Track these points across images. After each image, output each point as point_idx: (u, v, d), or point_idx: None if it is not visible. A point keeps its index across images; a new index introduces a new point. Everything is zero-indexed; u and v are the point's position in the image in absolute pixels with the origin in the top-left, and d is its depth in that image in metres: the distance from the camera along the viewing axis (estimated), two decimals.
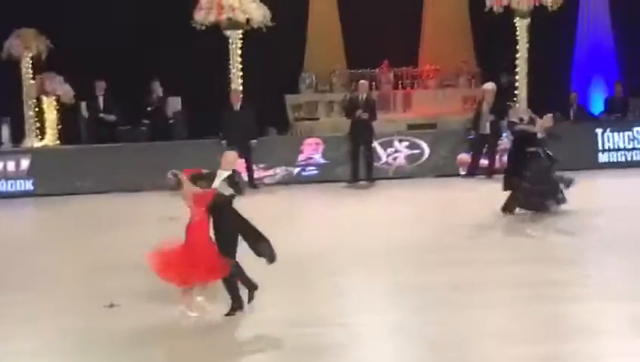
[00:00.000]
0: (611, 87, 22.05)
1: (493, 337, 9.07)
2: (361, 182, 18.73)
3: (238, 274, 9.87)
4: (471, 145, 19.28)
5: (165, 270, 9.68)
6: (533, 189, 14.27)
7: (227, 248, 9.71)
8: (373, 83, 22.07)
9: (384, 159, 19.33)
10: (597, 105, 22.06)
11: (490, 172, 18.95)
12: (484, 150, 19.14)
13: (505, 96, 19.49)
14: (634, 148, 19.68)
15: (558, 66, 22.30)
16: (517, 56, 19.81)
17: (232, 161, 10.06)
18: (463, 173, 19.25)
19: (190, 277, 9.70)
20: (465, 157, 19.29)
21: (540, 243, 12.96)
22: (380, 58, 22.46)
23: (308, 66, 22.94)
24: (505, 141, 19.26)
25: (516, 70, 19.84)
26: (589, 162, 19.33)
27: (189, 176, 9.90)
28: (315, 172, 19.18)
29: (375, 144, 19.13)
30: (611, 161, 19.49)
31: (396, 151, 19.38)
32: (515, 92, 19.89)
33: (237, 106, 18.73)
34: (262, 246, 9.84)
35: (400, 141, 19.42)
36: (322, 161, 19.21)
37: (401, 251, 12.68)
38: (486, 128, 18.93)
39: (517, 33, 19.76)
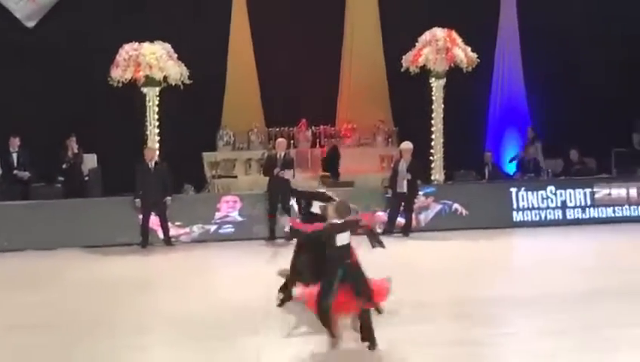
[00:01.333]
0: (524, 136, 22.62)
1: None
2: (279, 241, 18.77)
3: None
4: (388, 204, 19.52)
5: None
6: None
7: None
8: (292, 141, 22.25)
9: None
10: (510, 167, 22.57)
11: (406, 230, 19.20)
12: (401, 208, 19.38)
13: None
14: (547, 208, 20.10)
15: (473, 125, 22.79)
16: (432, 115, 20.22)
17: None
18: (379, 231, 19.42)
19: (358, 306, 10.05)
20: (382, 215, 19.50)
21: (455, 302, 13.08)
22: (297, 116, 22.71)
23: (226, 124, 23.07)
24: (422, 199, 19.57)
25: (432, 129, 20.22)
26: (504, 221, 19.71)
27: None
28: (232, 230, 19.18)
29: (293, 202, 19.22)
30: (525, 219, 19.89)
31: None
32: (431, 151, 20.23)
33: (151, 163, 18.70)
34: None
35: None
36: (239, 218, 19.24)
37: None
38: (403, 187, 19.19)
39: (433, 93, 20.19)
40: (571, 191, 20.19)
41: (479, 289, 13.62)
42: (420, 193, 19.56)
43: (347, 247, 10.10)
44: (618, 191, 20.16)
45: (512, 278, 14.40)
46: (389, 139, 23.02)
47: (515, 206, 20.08)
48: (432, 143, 20.27)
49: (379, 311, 10.88)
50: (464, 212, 19.15)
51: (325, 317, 10.09)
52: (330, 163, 22.03)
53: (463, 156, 21.22)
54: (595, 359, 9.93)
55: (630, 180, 20.37)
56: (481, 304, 12.56)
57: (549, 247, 17.35)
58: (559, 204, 20.08)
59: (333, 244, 10.01)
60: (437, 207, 19.73)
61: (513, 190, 20.18)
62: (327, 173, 21.61)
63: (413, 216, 19.45)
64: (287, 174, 18.79)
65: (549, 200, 20.19)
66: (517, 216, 20.09)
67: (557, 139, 21.94)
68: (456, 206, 19.23)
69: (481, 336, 10.90)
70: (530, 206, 20.11)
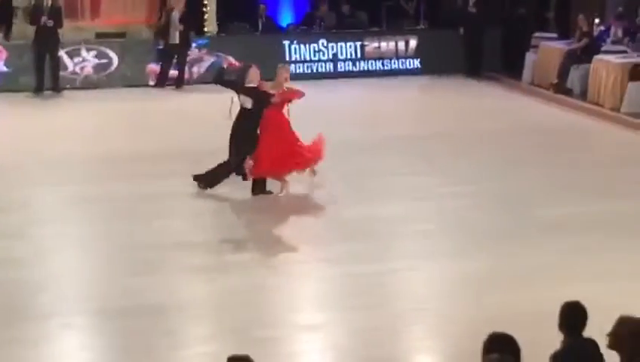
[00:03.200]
0: (299, 0, 22.72)
1: (177, 246, 9.42)
2: (47, 92, 18.35)
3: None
4: (160, 56, 19.34)
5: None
6: None
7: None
8: None
9: (71, 68, 19.00)
10: (286, 18, 22.66)
11: (179, 82, 19.14)
12: (174, 60, 19.25)
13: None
14: (319, 60, 20.47)
15: None
16: None
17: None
18: (152, 83, 19.31)
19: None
20: (154, 67, 19.33)
21: None
22: None
23: None
24: (195, 51, 19.50)
25: None
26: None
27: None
28: None
29: (61, 52, 18.76)
30: (298, 72, 20.20)
31: (84, 61, 19.10)
32: (205, 2, 20.07)
33: None
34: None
35: (88, 50, 19.14)
36: (5, 69, 18.61)
37: (87, 163, 12.69)
38: (175, 38, 19.01)
39: None
40: (342, 44, 20.60)
41: None
42: (193, 45, 19.46)
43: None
44: (387, 45, 20.73)
45: None
46: None
47: (287, 58, 20.34)
48: None
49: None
50: (237, 64, 19.12)
51: None
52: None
53: (236, 8, 21.15)
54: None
55: (398, 34, 20.95)
56: None
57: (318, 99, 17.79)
58: (331, 57, 20.46)
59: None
60: (210, 59, 19.72)
61: (286, 43, 20.40)
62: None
63: (186, 68, 19.37)
64: (50, 23, 18.18)
65: (321, 53, 20.56)
66: (290, 69, 20.37)
67: None
68: (229, 59, 19.15)
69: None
70: (303, 59, 20.41)
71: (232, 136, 11.22)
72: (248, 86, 11.40)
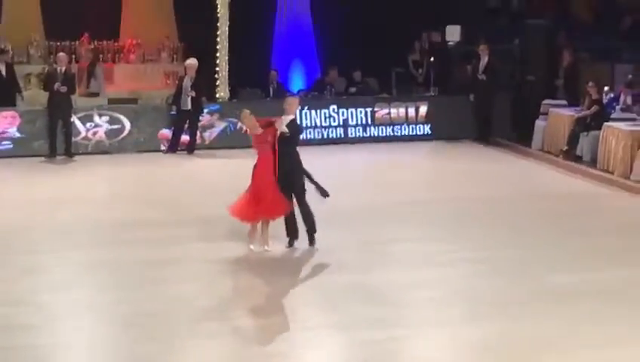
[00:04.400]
0: (309, 67, 22.92)
1: (188, 311, 9.38)
2: (60, 157, 18.47)
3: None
4: (172, 121, 19.47)
5: (233, 208, 11.30)
6: None
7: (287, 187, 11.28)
8: (73, 56, 21.72)
9: (83, 133, 19.13)
10: (297, 84, 22.88)
11: (191, 148, 19.27)
12: (186, 126, 19.39)
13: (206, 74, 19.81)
14: (330, 126, 20.58)
15: (259, 44, 22.88)
16: (218, 33, 20.20)
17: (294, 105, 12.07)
18: (164, 148, 19.42)
19: (256, 214, 11.23)
20: (166, 132, 19.46)
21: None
22: (79, 30, 22.12)
23: (4, 36, 22.24)
24: (207, 117, 19.64)
25: (217, 47, 20.22)
26: None
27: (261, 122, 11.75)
28: (11, 146, 18.68)
29: (74, 118, 18.92)
30: (309, 137, 20.28)
31: (96, 126, 19.24)
32: (217, 69, 20.26)
33: None
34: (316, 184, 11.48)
35: (100, 116, 19.29)
36: (18, 135, 18.75)
37: (97, 228, 12.72)
38: (187, 104, 19.17)
39: (218, 10, 20.15)
40: (353, 110, 20.73)
41: None
42: (205, 110, 19.62)
43: None
44: (397, 111, 20.85)
45: None
46: (174, 56, 22.83)
47: (298, 124, 20.45)
48: (217, 60, 20.30)
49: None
50: (249, 130, 19.17)
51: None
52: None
53: (248, 74, 21.34)
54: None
55: (408, 100, 21.08)
56: None
57: (329, 164, 17.86)
58: (341, 123, 20.59)
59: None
60: (222, 125, 19.85)
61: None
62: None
63: (198, 133, 19.51)
64: (63, 89, 18.42)
65: (332, 118, 20.67)
66: (301, 134, 20.50)
67: (343, 61, 22.23)
68: (240, 124, 19.27)
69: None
70: (314, 124, 20.53)
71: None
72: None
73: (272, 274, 10.78)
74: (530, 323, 9.10)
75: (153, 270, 10.78)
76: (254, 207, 11.18)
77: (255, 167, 11.45)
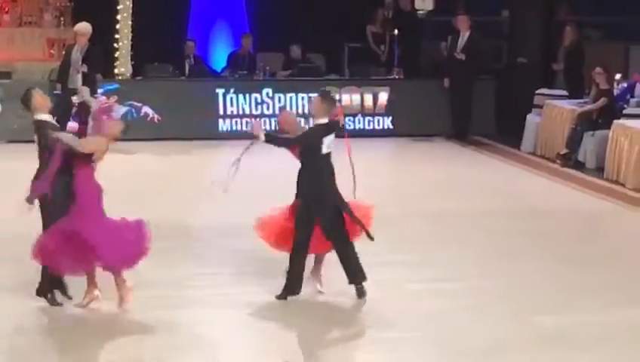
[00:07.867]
0: (237, 40, 22.97)
1: None
2: None
3: None
4: (55, 104, 19.34)
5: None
6: None
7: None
8: None
9: None
10: (219, 62, 22.88)
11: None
12: (74, 110, 19.29)
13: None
14: (263, 115, 20.61)
15: (173, 7, 22.88)
16: None
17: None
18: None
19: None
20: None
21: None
22: None
23: None
24: (102, 98, 19.56)
25: (118, 8, 20.18)
26: (208, 130, 20.11)
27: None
28: None
29: None
30: (233, 129, 20.33)
31: None
32: (116, 36, 20.24)
33: None
34: None
35: None
36: None
37: None
38: (76, 82, 19.09)
39: None
40: (292, 95, 20.80)
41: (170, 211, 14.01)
42: (100, 91, 19.57)
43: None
44: (349, 98, 20.91)
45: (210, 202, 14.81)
46: (61, 19, 22.78)
47: (221, 112, 20.52)
48: (118, 27, 20.28)
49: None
50: (157, 117, 19.21)
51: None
52: None
53: (157, 45, 21.35)
54: None
55: (365, 84, 21.13)
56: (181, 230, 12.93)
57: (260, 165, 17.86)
58: (277, 111, 20.62)
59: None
60: (121, 110, 19.80)
61: (220, 91, 20.56)
62: None
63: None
64: None
65: (265, 105, 20.73)
66: (223, 125, 20.57)
67: (275, 32, 22.34)
68: (146, 109, 19.25)
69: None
70: (241, 112, 20.57)
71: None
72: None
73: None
74: None
75: None
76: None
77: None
